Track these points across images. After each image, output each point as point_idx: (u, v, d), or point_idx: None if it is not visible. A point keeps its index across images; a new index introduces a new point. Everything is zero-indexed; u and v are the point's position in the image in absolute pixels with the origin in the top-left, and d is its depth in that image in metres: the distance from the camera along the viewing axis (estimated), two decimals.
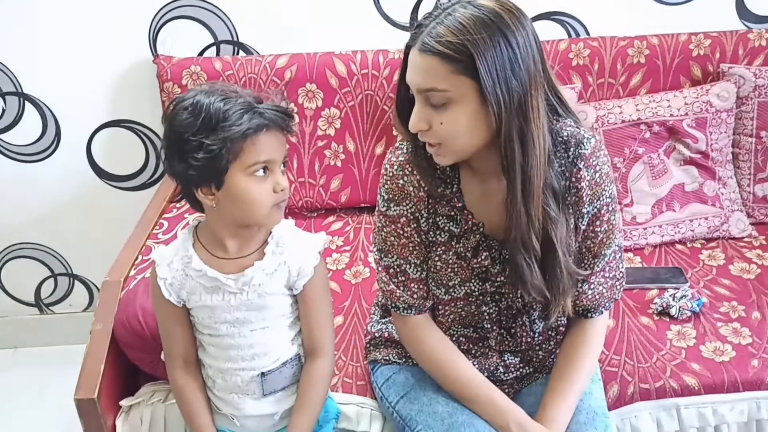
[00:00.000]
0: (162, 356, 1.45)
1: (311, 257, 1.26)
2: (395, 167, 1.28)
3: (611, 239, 1.29)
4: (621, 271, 1.34)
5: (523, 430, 1.25)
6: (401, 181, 1.27)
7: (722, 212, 2.01)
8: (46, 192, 2.30)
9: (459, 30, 1.09)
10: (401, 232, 1.29)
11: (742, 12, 2.21)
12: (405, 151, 1.28)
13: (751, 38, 2.11)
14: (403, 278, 1.32)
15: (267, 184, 1.17)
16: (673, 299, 1.70)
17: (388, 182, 1.29)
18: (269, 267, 1.24)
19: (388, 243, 1.31)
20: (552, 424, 1.27)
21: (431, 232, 1.30)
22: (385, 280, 1.34)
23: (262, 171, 1.16)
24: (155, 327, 1.43)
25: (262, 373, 1.27)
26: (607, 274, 1.32)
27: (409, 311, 1.34)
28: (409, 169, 1.27)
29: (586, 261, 1.30)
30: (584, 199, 1.24)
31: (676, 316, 1.68)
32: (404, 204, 1.28)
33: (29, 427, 2.14)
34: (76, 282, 2.46)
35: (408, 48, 1.16)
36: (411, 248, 1.30)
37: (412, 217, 1.29)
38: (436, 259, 1.31)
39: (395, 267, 1.32)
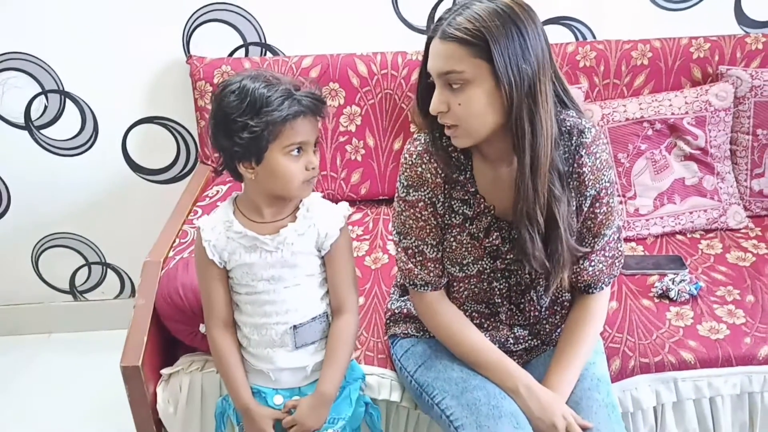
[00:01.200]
0: (200, 328, 1.56)
1: (337, 220, 1.36)
2: (414, 156, 1.36)
3: (610, 221, 1.38)
4: (620, 251, 1.42)
5: (531, 393, 1.33)
6: (420, 169, 1.36)
7: (720, 205, 2.07)
8: (83, 184, 2.37)
9: (476, 19, 1.19)
10: (419, 215, 1.38)
11: (741, 17, 2.26)
12: (423, 141, 1.37)
13: (749, 42, 2.16)
14: (421, 258, 1.41)
15: (300, 163, 1.28)
16: (673, 283, 1.76)
17: (408, 170, 1.37)
18: (301, 228, 1.34)
19: (407, 226, 1.39)
20: (557, 390, 1.35)
21: (447, 215, 1.39)
22: (404, 260, 1.42)
23: (296, 151, 1.27)
24: (194, 301, 1.53)
25: (294, 326, 1.35)
26: (606, 253, 1.40)
27: (426, 288, 1.42)
28: (427, 157, 1.35)
29: (586, 240, 1.38)
30: (587, 183, 1.33)
31: (675, 298, 1.75)
32: (422, 190, 1.36)
33: (62, 408, 2.20)
34: (108, 270, 2.53)
35: (429, 40, 1.26)
36: (428, 230, 1.39)
37: (429, 202, 1.37)
38: (451, 239, 1.40)
39: (414, 248, 1.40)
